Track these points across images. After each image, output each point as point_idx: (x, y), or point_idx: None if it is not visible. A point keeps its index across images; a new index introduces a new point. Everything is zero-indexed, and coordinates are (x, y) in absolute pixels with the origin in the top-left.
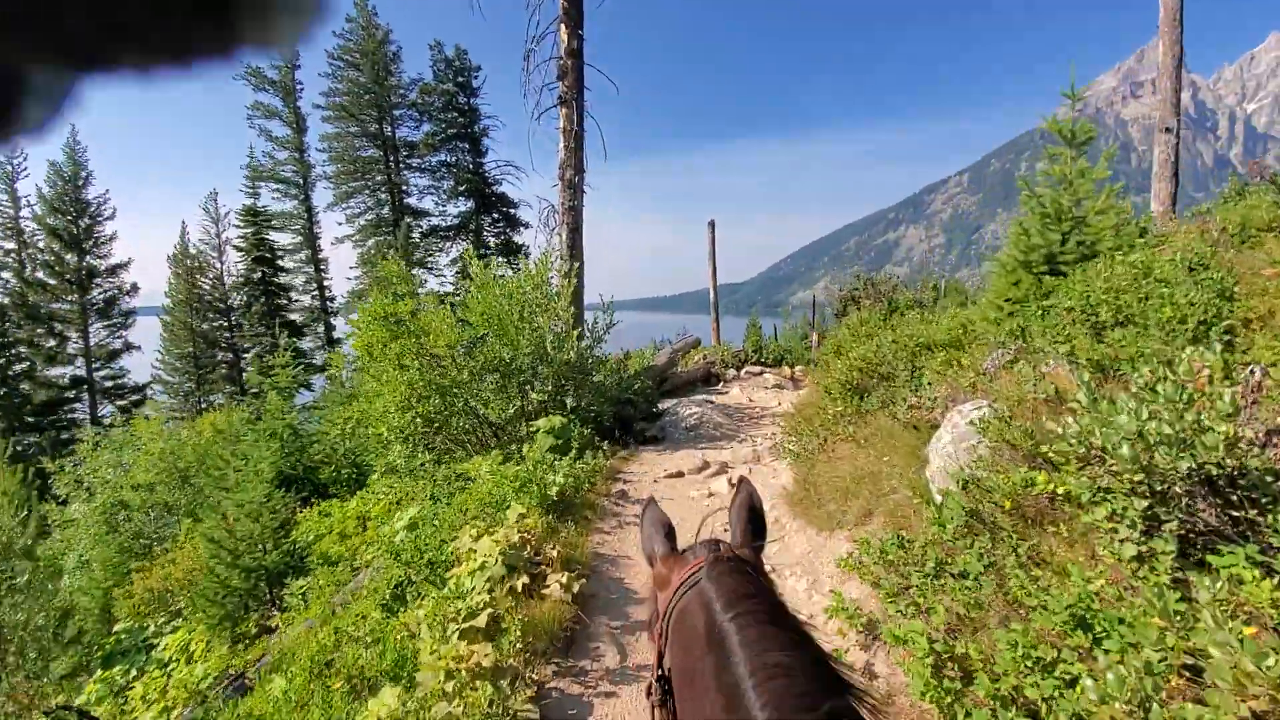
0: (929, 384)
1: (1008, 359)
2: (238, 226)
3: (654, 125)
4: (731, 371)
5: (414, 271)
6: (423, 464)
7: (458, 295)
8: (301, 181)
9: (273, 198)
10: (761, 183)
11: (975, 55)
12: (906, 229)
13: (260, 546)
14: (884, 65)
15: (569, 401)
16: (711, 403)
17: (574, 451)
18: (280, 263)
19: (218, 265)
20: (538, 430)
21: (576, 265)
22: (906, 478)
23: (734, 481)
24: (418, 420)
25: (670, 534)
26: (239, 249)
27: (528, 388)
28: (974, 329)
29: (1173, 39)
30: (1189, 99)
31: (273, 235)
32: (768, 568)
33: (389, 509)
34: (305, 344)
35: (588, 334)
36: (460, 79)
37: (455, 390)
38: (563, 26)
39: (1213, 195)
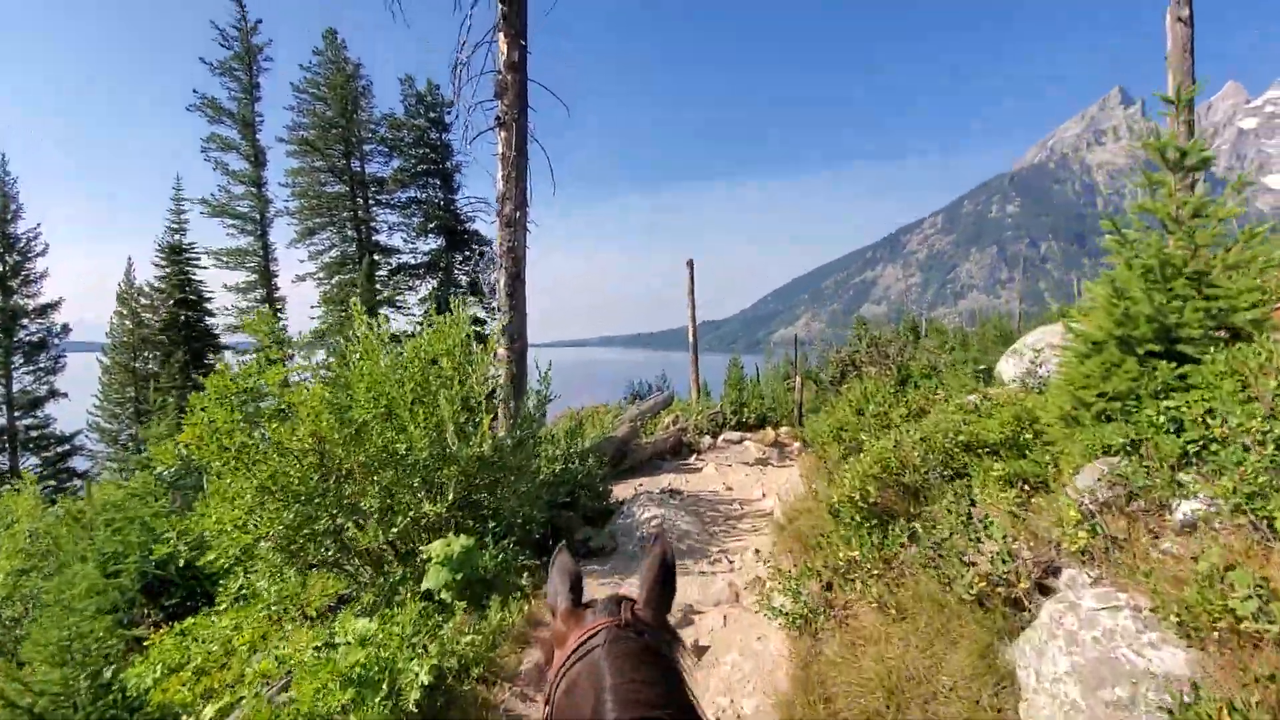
0: (998, 531)
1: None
2: (157, 265)
3: (636, 161)
4: (706, 439)
5: (382, 310)
6: (287, 593)
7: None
8: (259, 217)
9: (227, 234)
10: (742, 220)
11: (945, 101)
12: (884, 268)
13: (70, 703)
14: (856, 109)
15: (487, 506)
16: (679, 495)
17: (482, 592)
18: (209, 305)
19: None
20: (429, 560)
21: (513, 317)
22: (981, 701)
23: (700, 644)
24: (271, 538)
25: (576, 585)
26: (159, 290)
27: (422, 496)
28: (1041, 425)
29: (1185, 70)
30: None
31: (225, 274)
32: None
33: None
34: None
35: (525, 407)
36: (433, 114)
37: (318, 499)
38: (501, 36)
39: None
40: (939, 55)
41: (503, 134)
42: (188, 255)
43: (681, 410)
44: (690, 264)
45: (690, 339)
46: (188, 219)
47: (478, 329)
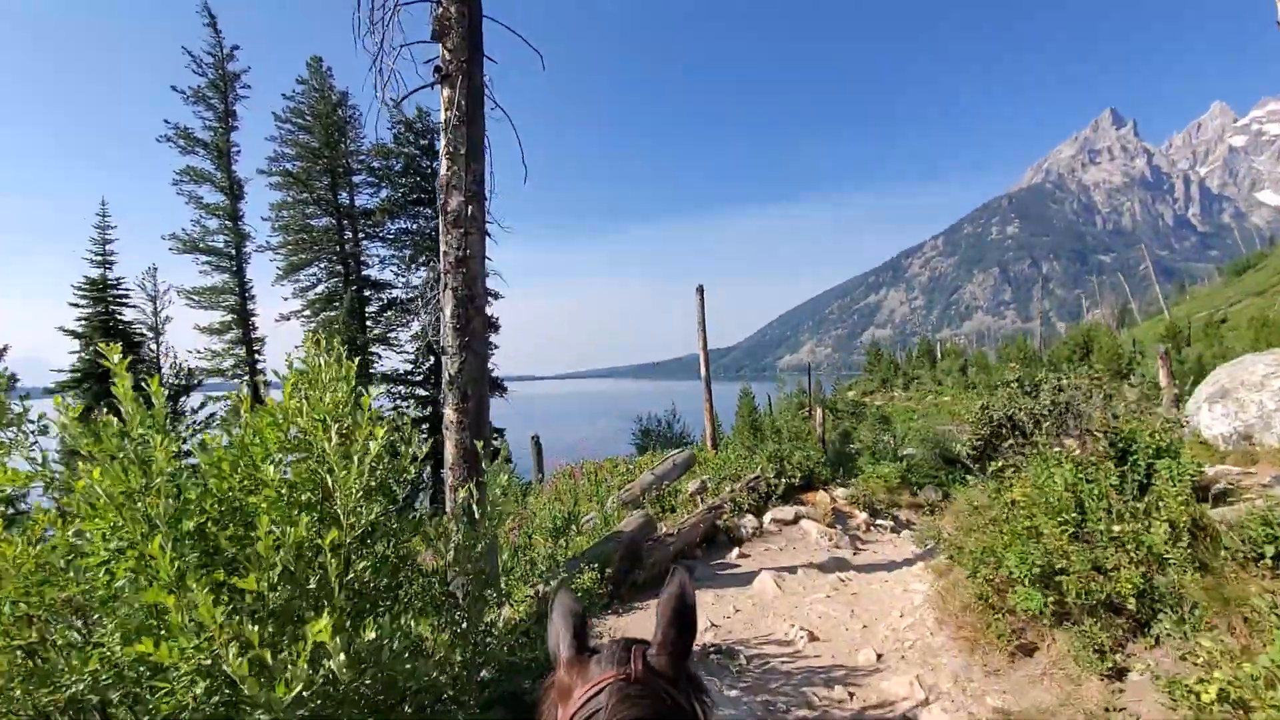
0: None
1: None
2: (74, 305)
3: (641, 191)
4: (749, 521)
5: (375, 349)
6: None
7: (421, 374)
8: (234, 252)
9: (200, 271)
10: (747, 247)
11: (943, 125)
12: (887, 292)
13: None
14: (849, 141)
15: None
16: (723, 654)
17: None
18: (143, 347)
19: (153, 347)
20: None
21: (463, 362)
22: None
23: None
24: None
25: (580, 629)
26: (76, 334)
27: None
28: None
29: None
30: (1144, 165)
31: (199, 313)
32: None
33: None
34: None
35: (487, 506)
36: (423, 141)
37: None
38: None
39: (1177, 252)
40: (933, 81)
41: (445, 91)
42: (114, 293)
43: (704, 465)
44: (700, 290)
45: (702, 371)
46: (114, 250)
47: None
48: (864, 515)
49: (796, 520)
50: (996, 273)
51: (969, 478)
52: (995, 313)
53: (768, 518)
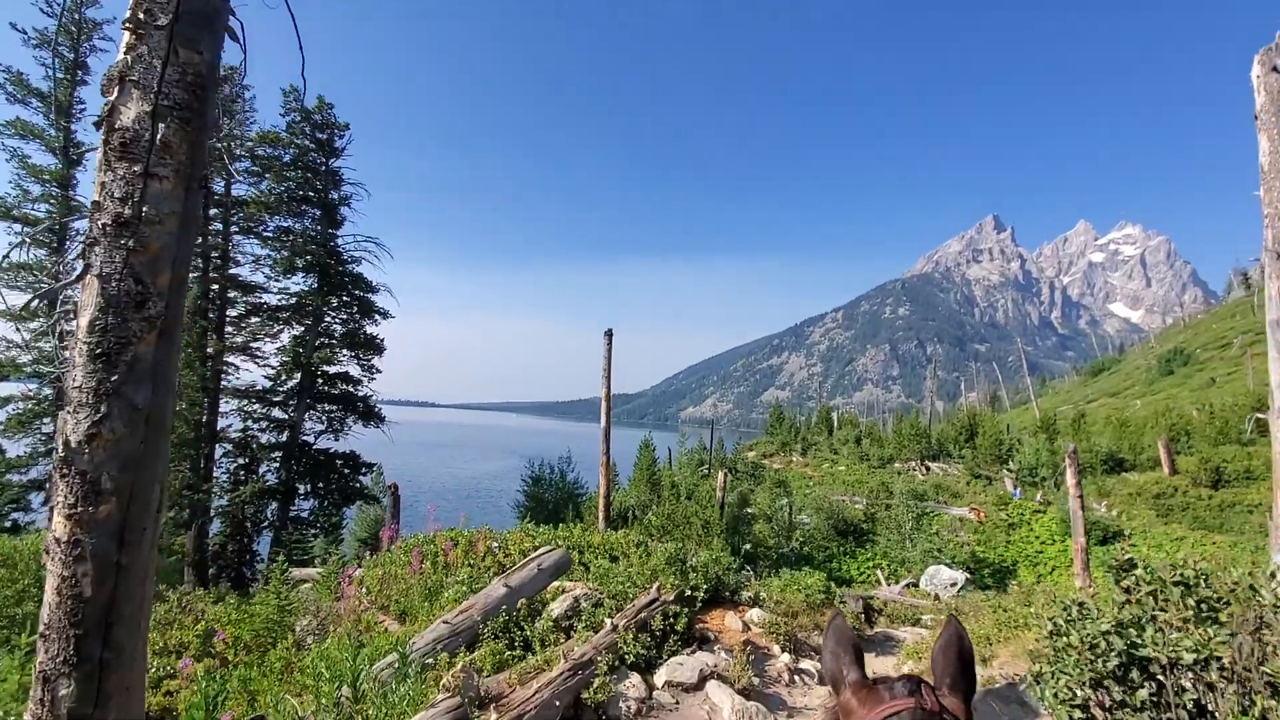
0: None
1: None
2: None
3: (554, 229)
4: (634, 685)
5: (231, 359)
6: None
7: (282, 393)
8: (58, 227)
9: (8, 243)
10: (659, 296)
11: (854, 205)
12: (789, 356)
13: None
14: (770, 200)
15: None
16: None
17: None
18: None
19: None
20: None
21: (106, 416)
22: None
23: None
24: None
25: (860, 656)
26: None
27: None
28: None
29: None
30: (1018, 268)
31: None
32: None
33: None
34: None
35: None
36: (320, 135)
37: None
38: None
39: (1040, 349)
40: (845, 163)
41: None
42: None
43: (589, 554)
44: (609, 335)
45: (602, 422)
46: None
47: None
48: (785, 658)
49: (701, 684)
50: (887, 349)
51: (859, 550)
52: (884, 386)
53: (661, 677)
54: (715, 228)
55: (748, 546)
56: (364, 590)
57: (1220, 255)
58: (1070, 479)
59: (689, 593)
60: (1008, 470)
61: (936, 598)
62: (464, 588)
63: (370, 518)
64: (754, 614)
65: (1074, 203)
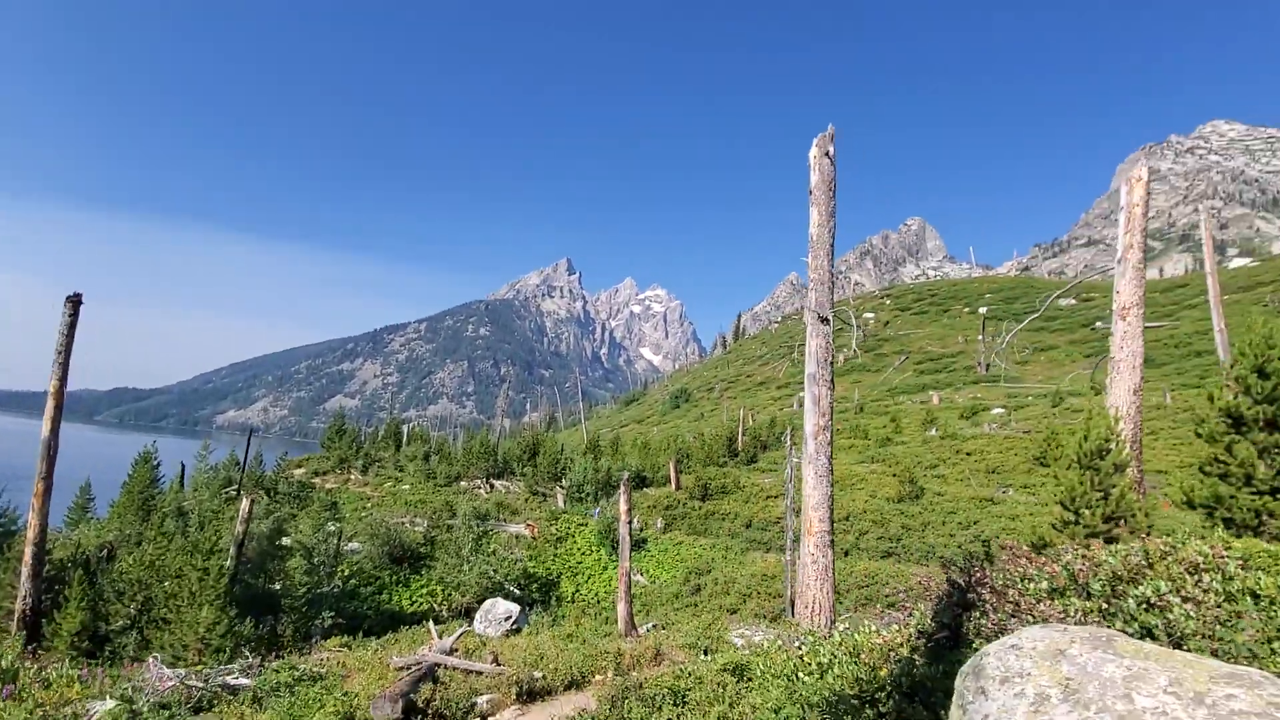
0: None
1: None
2: None
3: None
4: None
5: None
6: None
7: None
8: None
9: None
10: (203, 278)
11: (441, 224)
12: (364, 362)
13: None
14: (366, 206)
15: None
16: None
17: None
18: None
19: None
20: None
21: None
22: None
23: None
24: None
25: None
26: None
27: None
28: None
29: (829, 205)
30: (580, 308)
31: None
32: None
33: None
34: None
35: None
36: None
37: None
38: None
39: (590, 379)
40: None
41: None
42: None
43: None
44: (74, 301)
45: (46, 427)
46: None
47: None
48: None
49: None
50: (465, 366)
51: (415, 578)
52: (459, 401)
53: None
54: (309, 214)
55: (277, 587)
56: None
57: (710, 319)
58: (623, 505)
59: None
60: (560, 486)
61: (492, 645)
62: None
63: None
64: None
65: (627, 260)
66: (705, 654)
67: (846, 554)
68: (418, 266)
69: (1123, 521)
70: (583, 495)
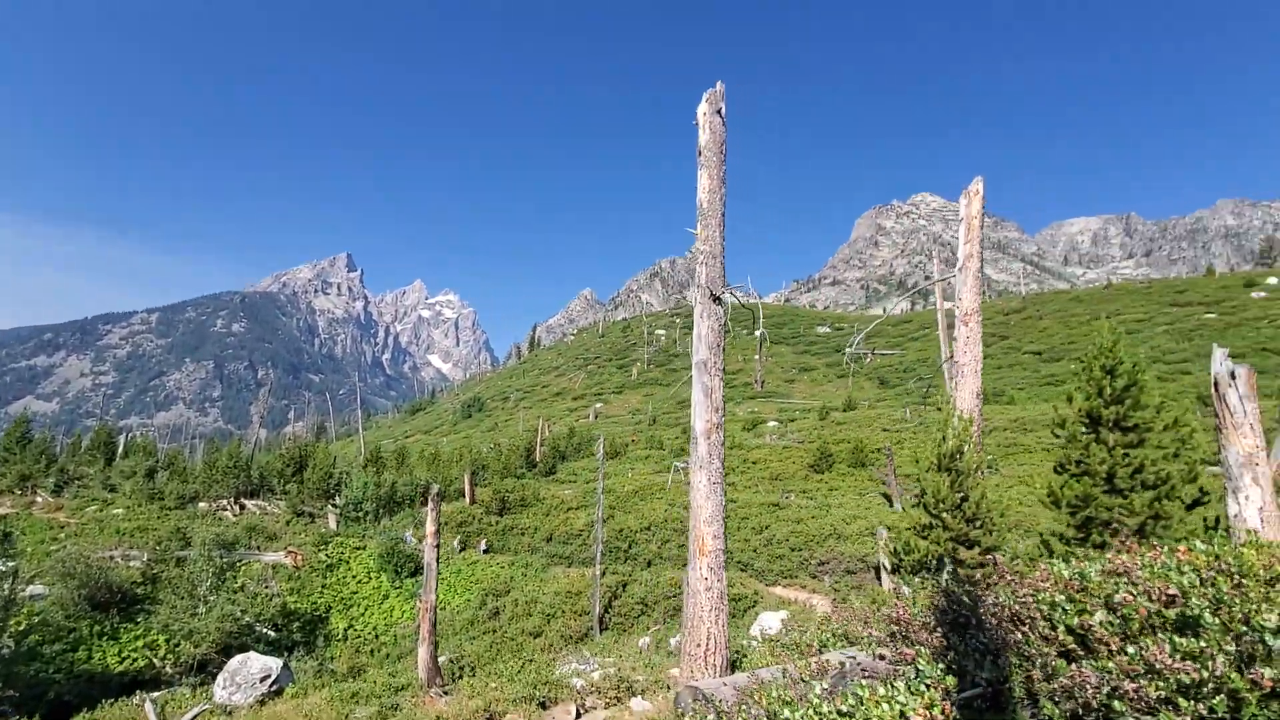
0: None
1: None
2: None
3: None
4: None
5: None
6: None
7: None
8: None
9: None
10: None
11: (200, 200)
12: (69, 357)
13: None
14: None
15: None
16: None
17: None
18: None
19: None
20: None
21: None
22: None
23: None
24: None
25: None
26: None
27: None
28: None
29: (720, 170)
30: (361, 308)
31: None
32: None
33: None
34: None
35: None
36: None
37: None
38: None
39: (370, 387)
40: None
41: None
42: None
43: None
44: None
45: None
46: None
47: None
48: None
49: None
50: (211, 366)
51: (126, 627)
52: (200, 408)
53: None
54: None
55: None
56: None
57: (504, 332)
58: (429, 526)
59: None
60: (333, 505)
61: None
62: None
63: None
64: None
65: (416, 260)
66: (544, 707)
67: (650, 565)
68: (150, 247)
69: (980, 524)
70: (361, 515)
